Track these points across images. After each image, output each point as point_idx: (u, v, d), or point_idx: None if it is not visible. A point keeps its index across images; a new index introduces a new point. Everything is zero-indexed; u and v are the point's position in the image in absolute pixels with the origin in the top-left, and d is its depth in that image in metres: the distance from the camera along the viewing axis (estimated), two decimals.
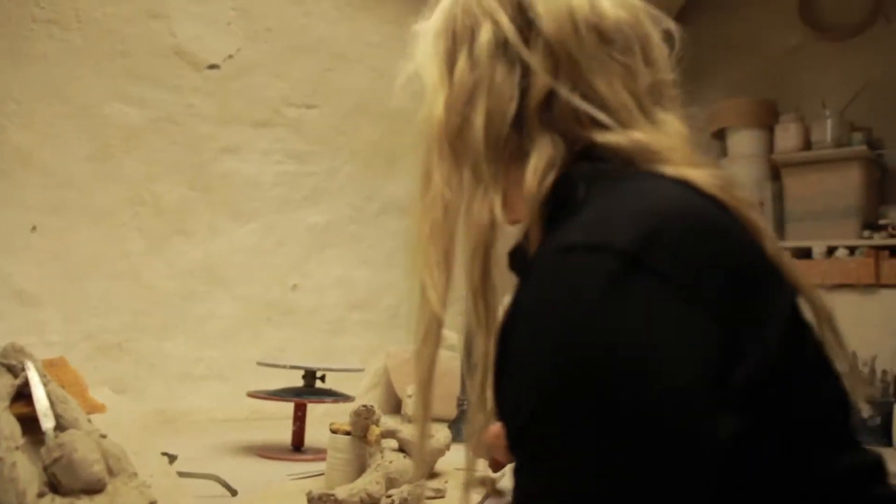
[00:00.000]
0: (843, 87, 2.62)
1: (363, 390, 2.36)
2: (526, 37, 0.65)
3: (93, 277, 1.93)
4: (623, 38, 0.66)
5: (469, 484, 0.71)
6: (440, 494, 1.32)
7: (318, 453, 1.56)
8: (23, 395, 0.94)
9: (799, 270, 0.57)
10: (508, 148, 0.63)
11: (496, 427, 0.59)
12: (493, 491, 1.28)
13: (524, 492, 0.54)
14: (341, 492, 1.16)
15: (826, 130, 2.50)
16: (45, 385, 0.94)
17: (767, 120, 2.72)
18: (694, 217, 0.53)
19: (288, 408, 1.72)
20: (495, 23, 0.66)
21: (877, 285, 2.37)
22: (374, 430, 1.29)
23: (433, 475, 1.45)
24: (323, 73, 2.26)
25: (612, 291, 0.48)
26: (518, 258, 0.64)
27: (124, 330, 1.97)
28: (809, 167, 2.54)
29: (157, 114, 2.00)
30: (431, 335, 0.64)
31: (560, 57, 0.63)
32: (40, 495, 0.86)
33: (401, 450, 1.37)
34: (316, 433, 1.66)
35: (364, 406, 1.29)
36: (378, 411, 1.33)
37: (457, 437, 1.43)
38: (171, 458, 1.31)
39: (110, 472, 0.90)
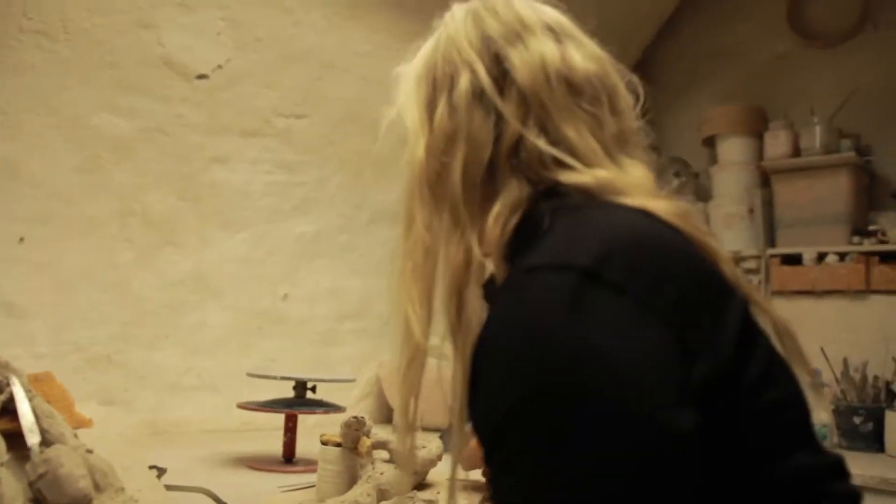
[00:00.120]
0: (831, 94, 2.64)
1: (355, 400, 2.35)
2: (501, 86, 0.69)
3: (81, 289, 1.92)
4: (592, 89, 0.70)
5: (452, 491, 0.73)
6: None
7: (310, 464, 1.56)
8: (8, 410, 0.94)
9: (751, 285, 0.63)
10: (483, 190, 0.68)
11: (476, 441, 0.62)
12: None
13: (501, 502, 0.56)
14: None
15: (815, 137, 2.52)
16: (30, 400, 0.93)
17: (757, 127, 2.73)
18: (647, 236, 0.58)
19: (279, 418, 1.71)
20: (473, 72, 0.70)
21: (867, 291, 2.38)
22: (365, 442, 1.28)
23: (424, 486, 1.44)
24: (312, 82, 2.26)
25: (574, 304, 0.53)
26: (490, 289, 0.70)
27: (113, 341, 1.96)
28: (799, 174, 2.55)
29: (146, 124, 1.99)
30: (416, 364, 0.70)
31: (532, 105, 0.68)
32: None
33: (392, 461, 1.36)
34: (307, 444, 1.65)
35: (354, 417, 1.29)
36: (369, 422, 1.32)
37: (448, 447, 1.42)
38: (160, 472, 1.31)
39: (97, 488, 0.89)
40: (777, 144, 2.60)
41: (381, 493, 1.25)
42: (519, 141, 0.67)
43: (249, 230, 2.22)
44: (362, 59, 2.30)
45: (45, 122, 1.84)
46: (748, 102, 2.80)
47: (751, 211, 2.67)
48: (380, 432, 1.36)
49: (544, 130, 0.67)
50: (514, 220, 0.66)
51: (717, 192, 2.79)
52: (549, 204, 0.63)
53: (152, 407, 2.01)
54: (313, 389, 1.75)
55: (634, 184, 0.65)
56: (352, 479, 1.32)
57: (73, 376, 1.88)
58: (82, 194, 1.91)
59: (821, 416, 2.21)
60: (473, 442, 0.76)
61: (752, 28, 2.94)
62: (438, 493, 1.37)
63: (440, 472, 1.47)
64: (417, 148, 0.71)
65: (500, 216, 0.66)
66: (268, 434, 1.88)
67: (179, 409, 2.05)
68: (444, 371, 0.73)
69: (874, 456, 2.12)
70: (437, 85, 0.72)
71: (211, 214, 2.14)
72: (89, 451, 0.91)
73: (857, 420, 2.17)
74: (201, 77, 2.05)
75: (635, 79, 0.77)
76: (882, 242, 2.38)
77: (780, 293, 2.54)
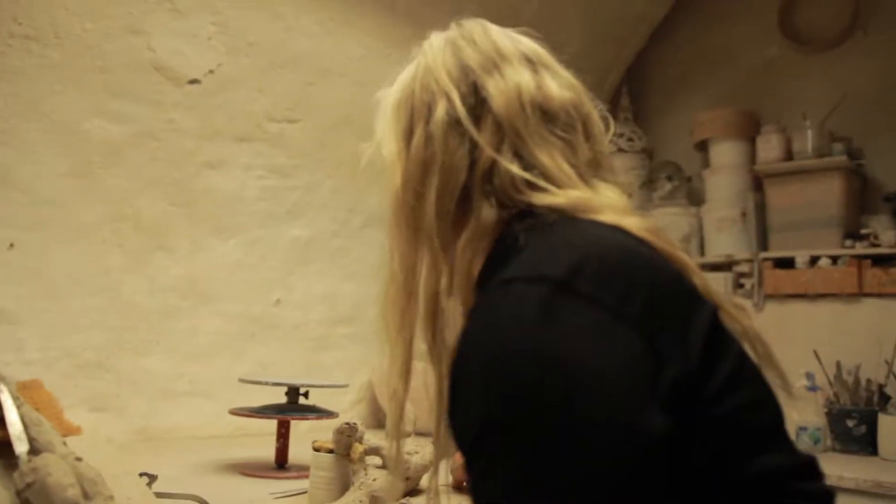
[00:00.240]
0: (823, 99, 2.64)
1: (348, 405, 2.35)
2: (477, 114, 0.72)
3: (72, 294, 1.91)
4: (566, 116, 0.73)
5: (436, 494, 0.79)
6: None
7: (302, 471, 1.55)
8: None
9: (722, 295, 0.66)
10: (456, 215, 0.71)
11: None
12: None
13: None
14: None
15: (807, 141, 2.53)
16: (18, 408, 0.92)
17: (749, 131, 2.74)
18: (617, 248, 0.61)
19: (271, 424, 1.70)
20: (450, 100, 0.73)
21: (860, 294, 2.39)
22: (358, 448, 1.28)
23: (417, 491, 1.43)
24: (305, 87, 2.25)
25: (547, 313, 0.55)
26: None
27: (105, 347, 1.95)
28: (791, 177, 2.56)
29: (137, 129, 1.98)
30: (404, 377, 0.75)
31: (507, 133, 0.71)
32: None
33: (385, 467, 1.35)
34: (300, 450, 1.65)
35: (347, 424, 1.28)
36: (361, 428, 1.32)
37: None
38: (151, 479, 1.30)
39: (85, 496, 0.88)
40: (769, 148, 2.61)
41: (374, 500, 1.25)
42: (493, 167, 0.70)
43: (242, 235, 2.21)
44: (354, 64, 2.30)
45: (35, 128, 1.83)
46: (740, 106, 2.80)
47: (743, 215, 2.67)
48: (372, 438, 1.36)
49: (518, 156, 0.70)
50: (485, 244, 0.69)
51: (709, 195, 2.80)
52: (523, 224, 0.66)
53: (144, 413, 2.00)
54: (306, 395, 1.75)
55: (607, 203, 0.68)
56: (344, 486, 1.31)
57: (64, 382, 1.87)
58: (73, 200, 1.90)
59: (812, 419, 2.22)
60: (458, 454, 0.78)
61: (744, 33, 2.95)
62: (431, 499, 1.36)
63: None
64: (395, 176, 0.74)
65: (471, 240, 0.69)
66: (260, 440, 1.87)
67: (171, 415, 2.04)
68: (431, 377, 0.76)
69: (867, 459, 2.12)
70: (415, 114, 0.75)
71: (203, 219, 2.13)
72: (78, 460, 0.90)
73: (850, 423, 2.18)
74: (193, 82, 2.05)
75: (605, 109, 0.80)
76: (874, 246, 2.38)
77: (772, 296, 2.54)
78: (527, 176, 0.69)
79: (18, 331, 1.82)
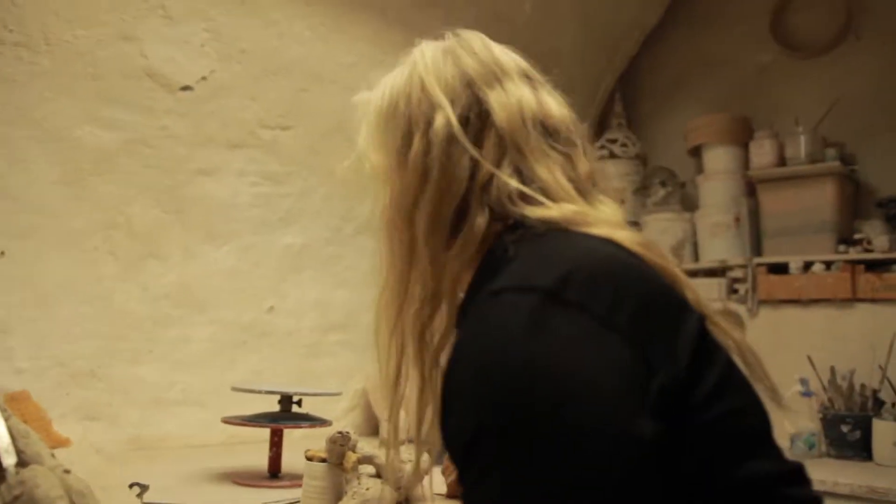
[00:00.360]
0: (815, 104, 2.65)
1: (342, 412, 2.34)
2: (478, 126, 0.73)
3: (64, 303, 1.90)
4: (566, 131, 0.75)
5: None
6: None
7: (296, 479, 1.54)
8: None
9: (713, 308, 0.66)
10: (450, 225, 0.71)
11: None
12: None
13: None
14: None
15: (800, 146, 2.53)
16: (6, 420, 0.91)
17: (742, 136, 2.74)
18: (606, 258, 0.62)
19: (265, 431, 1.69)
20: (451, 111, 0.73)
21: (853, 299, 2.39)
22: (351, 457, 1.27)
23: (411, 501, 1.42)
24: (297, 93, 2.25)
25: (537, 323, 0.55)
26: (460, 316, 0.72)
27: (96, 356, 1.93)
28: (784, 183, 2.56)
29: (129, 136, 1.97)
30: (396, 383, 0.76)
31: (508, 147, 0.71)
32: None
33: (378, 476, 1.34)
34: (294, 458, 1.63)
35: (339, 433, 1.27)
36: (354, 437, 1.31)
37: (438, 461, 1.41)
38: (143, 489, 1.28)
39: None
40: (762, 154, 2.61)
41: None
42: (491, 179, 0.70)
43: (235, 242, 2.20)
44: (347, 70, 2.29)
45: (26, 135, 1.82)
46: (733, 112, 2.81)
47: (737, 220, 2.67)
48: (365, 447, 1.35)
49: (517, 171, 0.71)
50: (475, 255, 0.70)
51: (703, 201, 2.80)
52: (513, 236, 0.67)
53: (136, 422, 1.98)
54: (299, 403, 1.74)
55: (601, 217, 0.69)
56: (337, 495, 1.30)
57: (55, 392, 1.86)
58: (65, 207, 1.89)
59: (807, 425, 2.22)
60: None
61: (737, 38, 2.96)
62: None
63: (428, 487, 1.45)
64: (390, 185, 0.75)
65: (462, 250, 0.70)
66: (254, 447, 1.86)
67: (164, 423, 2.03)
68: (413, 380, 0.77)
69: (862, 464, 2.12)
70: (412, 122, 0.74)
71: (196, 227, 2.12)
72: (67, 472, 0.89)
73: (844, 429, 2.18)
74: (185, 89, 2.04)
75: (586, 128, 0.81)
76: (867, 251, 2.38)
77: (766, 302, 2.54)
78: (525, 190, 0.69)
79: (8, 339, 1.80)
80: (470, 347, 0.60)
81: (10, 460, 0.87)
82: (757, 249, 2.64)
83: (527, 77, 0.77)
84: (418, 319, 0.73)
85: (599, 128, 3.10)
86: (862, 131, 2.61)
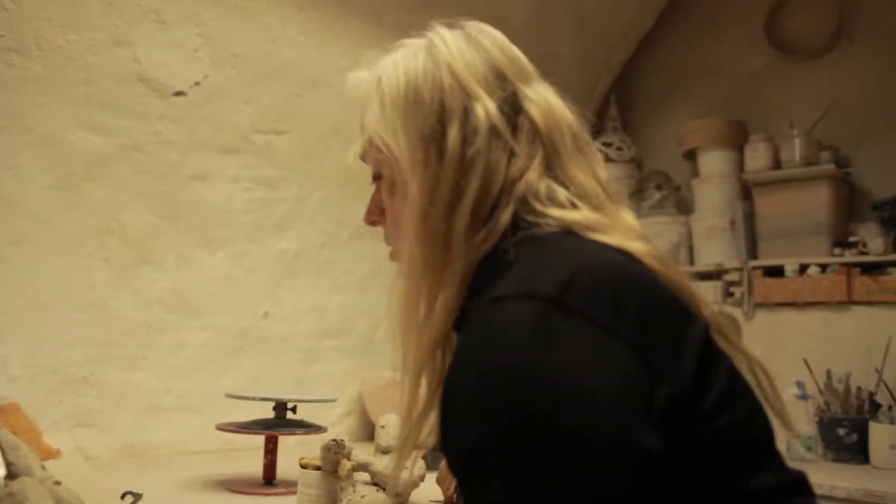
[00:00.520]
0: (809, 107, 2.65)
1: (337, 418, 2.33)
2: (515, 122, 0.71)
3: (57, 309, 1.88)
4: (585, 137, 0.74)
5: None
6: None
7: (291, 486, 1.53)
8: None
9: (730, 327, 0.65)
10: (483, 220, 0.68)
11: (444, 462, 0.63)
12: None
13: None
14: None
15: (795, 150, 2.53)
16: None
17: (737, 140, 2.74)
18: (609, 265, 0.61)
19: (259, 438, 1.68)
20: (490, 103, 0.71)
21: (849, 302, 2.39)
22: (346, 465, 1.26)
23: None
24: (291, 98, 2.24)
25: (539, 331, 0.54)
26: (458, 321, 0.70)
27: (90, 363, 1.92)
28: (779, 186, 2.56)
29: (122, 141, 1.96)
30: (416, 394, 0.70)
31: (545, 145, 0.70)
32: None
33: (374, 483, 1.33)
34: (289, 465, 1.62)
35: (334, 440, 1.26)
36: (349, 444, 1.30)
37: (432, 466, 1.40)
38: (136, 497, 1.28)
39: None
40: (757, 157, 2.62)
41: None
42: (521, 176, 0.68)
43: (229, 248, 2.19)
44: (342, 75, 2.25)
45: (18, 140, 1.81)
46: (728, 115, 2.81)
47: (732, 223, 2.67)
48: (360, 454, 1.34)
49: (549, 170, 0.70)
50: (487, 246, 0.67)
51: (698, 204, 2.80)
52: (513, 238, 0.65)
53: (130, 429, 1.97)
54: (294, 410, 1.73)
55: (619, 225, 0.67)
56: (332, 503, 1.29)
57: (49, 399, 1.84)
58: (58, 213, 1.88)
59: (804, 428, 2.21)
60: (443, 462, 0.76)
61: (731, 42, 2.96)
62: None
63: (424, 493, 1.44)
64: (419, 179, 0.70)
65: (479, 248, 0.67)
66: (249, 454, 1.85)
67: (158, 430, 2.02)
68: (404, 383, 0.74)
69: (859, 468, 2.12)
70: (446, 111, 0.71)
71: (190, 232, 2.11)
72: (57, 483, 0.88)
73: (841, 432, 2.17)
74: (179, 94, 2.03)
75: None
76: (863, 254, 2.39)
77: (762, 305, 2.54)
78: (560, 190, 0.68)
79: (1, 346, 1.79)
80: (472, 355, 0.58)
81: None
82: (752, 252, 2.64)
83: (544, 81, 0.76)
84: (450, 318, 0.69)
85: (595, 131, 3.10)
86: (856, 134, 2.61)
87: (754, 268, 2.57)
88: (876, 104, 2.60)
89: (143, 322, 2.02)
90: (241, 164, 2.19)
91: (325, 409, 2.18)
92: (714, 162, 2.76)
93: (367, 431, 2.32)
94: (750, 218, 2.66)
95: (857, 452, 2.15)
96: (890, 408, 2.17)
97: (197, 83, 2.06)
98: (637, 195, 2.92)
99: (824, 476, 1.93)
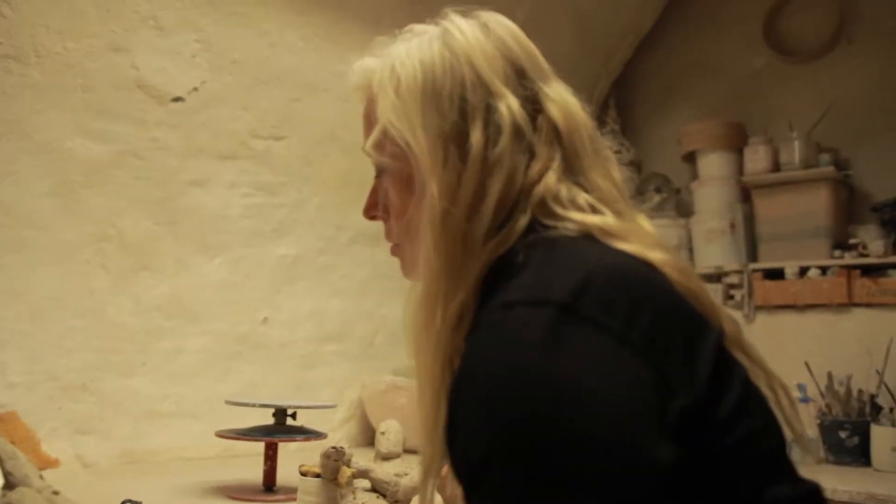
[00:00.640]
0: (809, 109, 2.65)
1: (338, 423, 2.32)
2: (535, 123, 0.69)
3: (55, 316, 1.88)
4: (601, 140, 0.73)
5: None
6: None
7: (291, 493, 1.52)
8: None
9: (752, 346, 0.63)
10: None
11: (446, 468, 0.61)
12: None
13: None
14: None
15: (794, 152, 2.53)
16: None
17: (737, 142, 2.74)
18: (623, 271, 0.59)
19: (260, 444, 1.68)
20: (514, 100, 0.68)
21: (849, 304, 2.39)
22: (346, 472, 1.26)
23: None
24: (290, 103, 2.24)
25: (551, 339, 0.53)
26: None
27: (89, 369, 1.92)
28: (779, 188, 2.56)
29: (120, 148, 1.96)
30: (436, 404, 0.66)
31: (564, 147, 0.68)
32: None
33: (374, 490, 1.33)
34: (289, 471, 1.62)
35: (333, 448, 1.26)
36: (349, 451, 1.29)
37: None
38: None
39: None
40: (757, 159, 2.61)
41: None
42: (540, 179, 0.66)
43: (228, 254, 2.19)
44: (340, 80, 2.27)
45: (16, 147, 1.81)
46: (727, 118, 2.81)
47: (732, 226, 2.67)
48: (361, 460, 1.33)
49: (569, 172, 0.68)
50: (500, 251, 0.65)
51: (698, 207, 2.80)
52: (525, 240, 0.63)
53: (129, 435, 1.97)
54: (293, 416, 1.72)
55: (638, 232, 0.66)
56: None
57: (48, 406, 1.84)
58: (55, 220, 1.88)
59: (805, 431, 2.21)
60: (445, 468, 0.74)
61: (730, 44, 2.96)
62: None
63: None
64: (438, 178, 0.67)
65: (495, 251, 0.65)
66: (249, 460, 1.84)
67: (157, 437, 2.01)
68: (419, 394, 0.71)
69: (861, 470, 2.11)
70: (469, 108, 0.68)
71: (188, 238, 2.11)
72: (56, 493, 0.88)
73: (842, 434, 2.17)
74: (177, 100, 2.03)
75: None
76: (863, 256, 2.38)
77: (763, 308, 2.54)
78: (582, 194, 0.67)
79: (0, 354, 1.78)
80: (481, 361, 0.56)
81: None
82: (752, 255, 2.63)
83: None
84: (466, 325, 0.65)
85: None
86: (856, 136, 2.61)
87: (754, 270, 2.57)
88: (875, 105, 2.60)
89: (142, 328, 2.02)
90: (239, 169, 2.19)
91: (326, 414, 2.18)
92: (713, 164, 2.76)
93: (368, 436, 2.31)
94: (749, 220, 2.65)
95: (859, 455, 2.15)
96: (891, 410, 2.16)
97: (195, 89, 2.05)
98: (636, 198, 2.91)
99: (826, 480, 1.90)
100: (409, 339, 0.68)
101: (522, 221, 0.65)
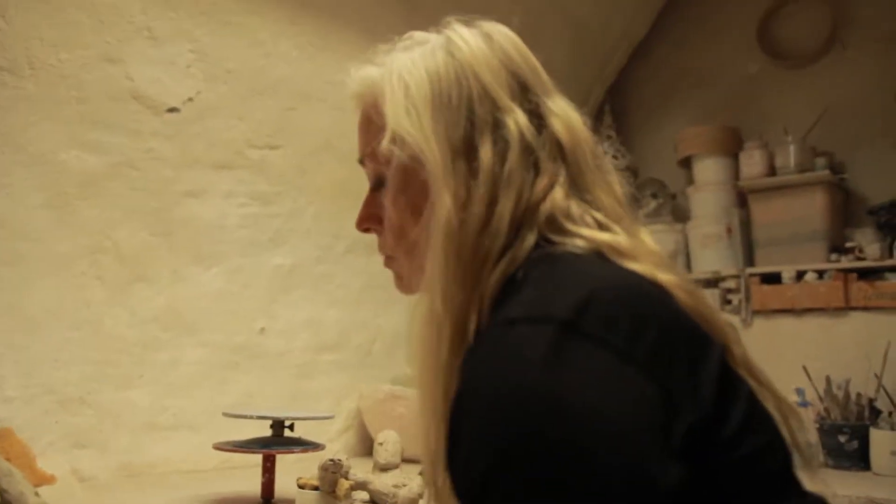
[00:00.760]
0: (803, 113, 2.66)
1: (335, 433, 2.31)
2: (540, 138, 0.68)
3: (52, 329, 1.87)
4: (602, 155, 0.72)
5: None
6: None
7: None
8: None
9: (756, 367, 0.62)
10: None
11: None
12: None
13: None
14: None
15: (789, 156, 2.54)
16: None
17: (732, 147, 2.75)
18: (625, 287, 0.59)
19: (258, 455, 1.67)
20: (521, 115, 0.68)
21: (847, 308, 2.39)
22: (343, 484, 1.25)
23: None
24: (285, 112, 2.24)
25: (553, 357, 0.52)
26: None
27: (85, 382, 1.91)
28: (775, 193, 2.57)
29: (115, 159, 1.95)
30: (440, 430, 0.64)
31: (567, 162, 0.68)
32: None
33: (372, 502, 1.32)
34: (287, 483, 1.61)
35: (331, 460, 1.25)
36: (347, 463, 1.29)
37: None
38: None
39: None
40: (752, 164, 2.62)
41: None
42: (545, 196, 0.66)
43: (224, 264, 2.18)
44: (335, 88, 2.28)
45: (10, 160, 1.80)
46: (722, 122, 2.81)
47: (729, 230, 2.67)
48: (359, 472, 1.33)
49: (574, 188, 0.67)
50: (508, 270, 0.63)
51: (694, 212, 2.80)
52: (529, 257, 0.63)
53: (126, 448, 1.95)
54: (291, 427, 1.71)
55: (644, 251, 0.65)
56: None
57: (44, 419, 1.83)
58: (50, 232, 1.87)
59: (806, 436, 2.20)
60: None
61: (724, 49, 2.97)
62: None
63: None
64: (449, 191, 0.65)
65: (506, 270, 0.63)
66: (247, 472, 1.83)
67: (155, 449, 2.00)
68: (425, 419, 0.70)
69: (860, 474, 2.11)
70: (477, 122, 0.67)
71: (184, 249, 2.10)
72: None
73: (842, 438, 2.16)
74: (172, 110, 2.02)
75: None
76: (859, 259, 2.38)
77: (760, 312, 2.54)
78: (591, 211, 0.66)
79: None
80: (482, 379, 0.55)
81: None
82: (749, 260, 2.63)
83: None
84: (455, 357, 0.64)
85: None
86: (850, 140, 2.62)
87: (751, 275, 2.57)
88: (870, 109, 2.61)
89: (138, 340, 2.01)
90: (234, 179, 2.18)
91: (324, 424, 2.17)
92: (709, 169, 2.76)
93: (366, 446, 2.30)
94: (746, 225, 2.66)
95: (858, 459, 2.14)
96: (890, 414, 2.16)
97: (190, 99, 2.05)
98: (633, 204, 2.91)
99: (825, 484, 1.91)
100: (414, 357, 0.67)
101: (530, 239, 0.64)
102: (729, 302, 2.60)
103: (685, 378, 0.55)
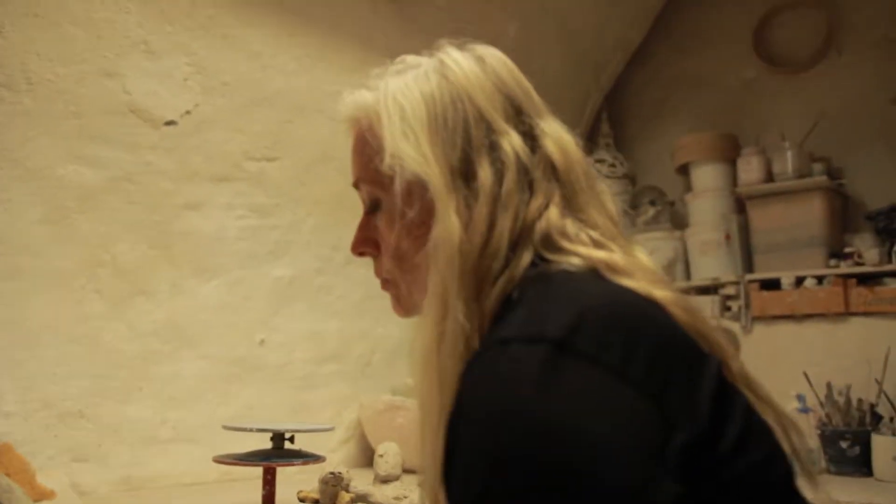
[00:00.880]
0: (800, 119, 2.66)
1: (336, 445, 2.31)
2: (534, 158, 0.69)
3: (51, 343, 1.87)
4: (595, 175, 0.73)
5: None
6: None
7: None
8: None
9: (761, 384, 0.62)
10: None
11: None
12: None
13: None
14: None
15: (787, 162, 2.54)
16: None
17: (730, 153, 2.75)
18: (619, 305, 0.58)
19: (259, 468, 1.66)
20: (516, 137, 0.68)
21: (846, 313, 2.38)
22: (344, 497, 1.25)
23: None
24: (283, 125, 2.24)
25: (547, 376, 0.52)
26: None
27: (85, 396, 1.90)
28: (773, 199, 2.57)
29: (113, 173, 1.96)
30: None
31: (561, 182, 0.68)
32: None
33: None
34: (288, 495, 1.60)
35: (331, 473, 1.25)
36: (347, 476, 1.28)
37: None
38: None
39: None
40: (750, 170, 2.62)
41: None
42: (540, 216, 0.66)
43: (223, 276, 2.18)
44: (333, 100, 2.26)
45: (8, 175, 1.80)
46: (719, 129, 2.82)
47: (727, 237, 2.67)
48: (359, 484, 1.32)
49: (569, 208, 0.67)
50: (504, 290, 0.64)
51: (693, 219, 2.80)
52: (527, 274, 0.63)
53: (127, 462, 1.95)
54: (291, 440, 1.71)
55: (639, 268, 0.65)
56: None
57: (44, 434, 1.82)
58: (49, 247, 1.87)
59: (806, 442, 2.20)
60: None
61: (720, 56, 2.98)
62: None
63: None
64: (448, 209, 0.65)
65: (503, 290, 0.63)
66: (248, 484, 1.83)
67: (155, 462, 1.99)
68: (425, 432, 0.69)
69: (862, 480, 2.10)
70: (473, 144, 0.68)
71: (183, 262, 2.10)
72: None
73: (843, 444, 2.16)
74: (169, 123, 2.03)
75: None
76: (858, 264, 2.38)
77: (760, 318, 2.53)
78: (586, 229, 0.66)
79: None
80: (476, 400, 0.55)
81: None
82: (748, 266, 2.64)
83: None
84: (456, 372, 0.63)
85: (587, 149, 3.10)
86: (848, 145, 2.62)
87: (751, 281, 2.57)
88: (866, 114, 2.61)
89: (138, 353, 2.01)
90: (233, 191, 2.18)
91: (324, 435, 2.16)
92: (707, 176, 2.77)
93: (367, 457, 2.30)
94: (744, 231, 2.66)
95: (860, 465, 2.13)
96: (892, 419, 2.15)
97: (188, 112, 2.06)
98: (631, 211, 2.92)
99: (827, 490, 1.91)
100: (416, 374, 0.67)
101: (527, 257, 0.65)
102: (729, 308, 2.60)
103: (680, 395, 0.54)
